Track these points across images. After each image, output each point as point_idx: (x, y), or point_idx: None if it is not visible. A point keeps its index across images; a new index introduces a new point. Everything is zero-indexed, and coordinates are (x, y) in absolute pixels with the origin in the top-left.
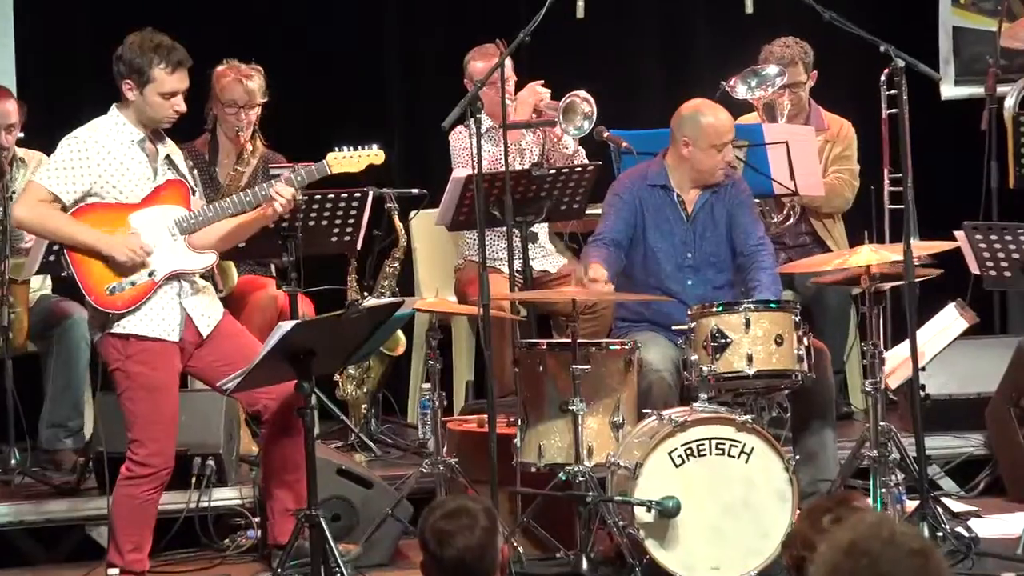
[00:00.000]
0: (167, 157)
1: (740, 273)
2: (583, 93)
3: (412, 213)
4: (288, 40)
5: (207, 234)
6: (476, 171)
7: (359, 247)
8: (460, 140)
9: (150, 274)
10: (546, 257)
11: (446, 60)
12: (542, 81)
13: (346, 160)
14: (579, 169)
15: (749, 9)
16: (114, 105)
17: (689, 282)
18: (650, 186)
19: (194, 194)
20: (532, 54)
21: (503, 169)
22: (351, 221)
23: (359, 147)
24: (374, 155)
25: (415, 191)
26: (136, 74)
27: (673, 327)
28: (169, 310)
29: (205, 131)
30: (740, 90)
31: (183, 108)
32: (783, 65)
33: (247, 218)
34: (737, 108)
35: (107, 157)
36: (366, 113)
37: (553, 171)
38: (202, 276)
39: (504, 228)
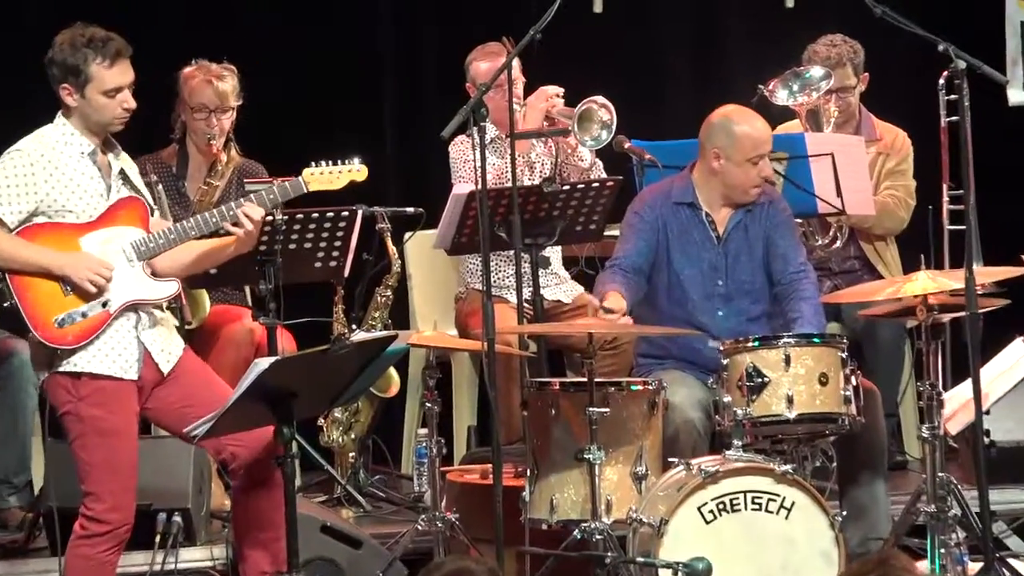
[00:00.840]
0: (121, 172)
1: (779, 303)
2: (601, 99)
3: (407, 235)
4: (268, 38)
5: (169, 259)
6: (480, 187)
7: (347, 273)
8: (461, 152)
9: (104, 304)
10: (559, 285)
11: (446, 61)
12: (556, 86)
13: (324, 176)
14: (596, 185)
15: (790, 3)
16: (59, 113)
17: (720, 313)
18: (675, 204)
19: (153, 214)
20: (543, 54)
21: (510, 184)
22: (337, 244)
23: (339, 161)
24: (356, 171)
25: (410, 210)
26: (72, 75)
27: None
28: (126, 345)
29: (172, 141)
30: (781, 95)
31: (132, 104)
32: (829, 67)
33: (216, 244)
34: (777, 116)
35: (55, 172)
36: (356, 120)
37: (567, 187)
38: (168, 307)
39: (511, 252)
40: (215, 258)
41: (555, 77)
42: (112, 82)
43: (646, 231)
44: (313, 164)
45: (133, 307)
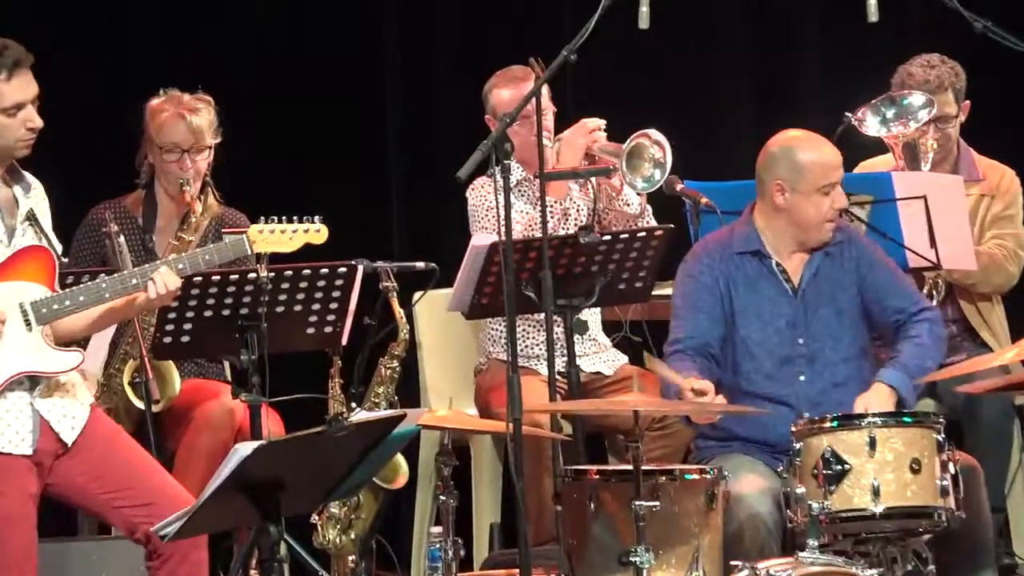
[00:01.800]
0: (29, 213)
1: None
2: (655, 133)
3: (417, 295)
4: (253, 63)
5: (73, 322)
6: (504, 237)
7: (345, 341)
8: (482, 196)
9: None
10: (599, 354)
11: (462, 89)
12: (597, 119)
13: (275, 237)
14: (643, 235)
15: (873, 16)
16: None
17: (802, 378)
18: (737, 254)
19: (61, 265)
20: (579, 79)
21: (540, 235)
22: (334, 306)
23: (293, 219)
24: (314, 231)
25: (421, 265)
26: None
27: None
28: (16, 414)
29: (138, 186)
30: (871, 124)
31: (38, 122)
32: (928, 92)
33: (117, 302)
34: (860, 150)
35: None
36: (356, 159)
37: (608, 237)
38: (130, 382)
39: (541, 315)
40: (120, 314)
41: (591, 107)
42: (12, 98)
43: (707, 299)
44: (263, 220)
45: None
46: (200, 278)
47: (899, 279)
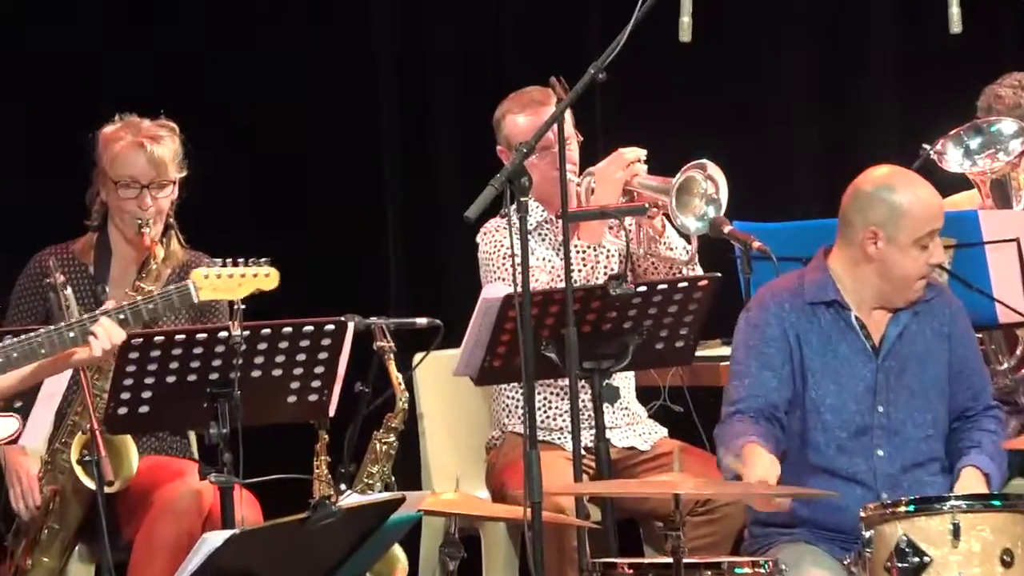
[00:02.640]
0: None
1: (952, 445)
2: (710, 166)
3: (418, 357)
4: (225, 83)
5: (2, 382)
6: (520, 288)
7: (333, 412)
8: (495, 241)
9: None
10: (633, 427)
11: (470, 116)
12: (637, 148)
13: (221, 282)
14: (684, 285)
15: (956, 27)
16: None
17: (880, 453)
18: (810, 305)
19: None
20: (610, 101)
21: (563, 285)
22: (319, 370)
23: (239, 262)
24: (262, 276)
25: (422, 321)
26: None
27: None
28: None
29: (88, 229)
30: (953, 157)
31: None
32: (1021, 117)
33: (46, 360)
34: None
35: None
36: (346, 197)
37: (643, 288)
38: (79, 461)
39: (565, 381)
40: (52, 368)
41: (623, 135)
42: None
43: (774, 354)
44: (207, 263)
45: None
46: (162, 337)
47: (983, 366)
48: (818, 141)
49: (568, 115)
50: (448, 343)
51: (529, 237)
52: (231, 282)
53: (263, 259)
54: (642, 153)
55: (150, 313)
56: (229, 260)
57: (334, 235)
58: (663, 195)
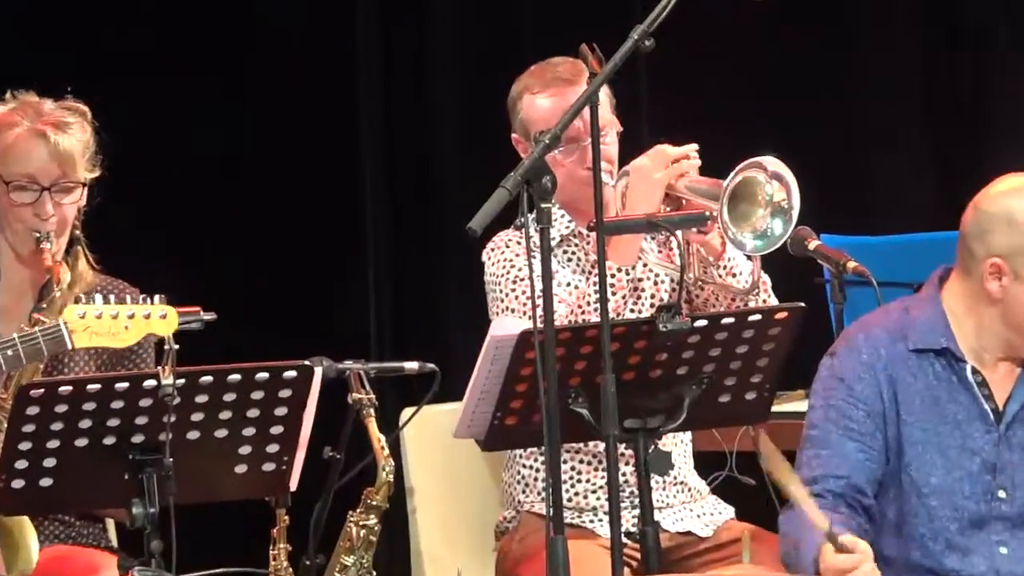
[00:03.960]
0: None
1: None
2: (773, 163)
3: (407, 413)
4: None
5: None
6: (541, 322)
7: (295, 485)
8: (506, 260)
9: None
10: (689, 505)
11: (472, 91)
12: (687, 145)
13: (99, 326)
14: (757, 319)
15: None
16: None
17: (1003, 550)
18: (915, 352)
19: None
20: (657, 80)
21: (595, 319)
22: (277, 431)
23: (127, 298)
24: (156, 319)
25: (412, 366)
26: None
27: None
28: None
29: None
30: None
31: None
32: None
33: None
34: None
35: None
36: (318, 207)
37: (703, 322)
38: None
39: (601, 445)
40: None
41: (676, 124)
42: None
43: (862, 419)
44: (83, 298)
45: None
46: (69, 387)
47: None
48: (922, 130)
49: (604, 96)
50: (446, 395)
51: (550, 255)
52: (114, 325)
53: (156, 296)
54: (692, 149)
55: (9, 363)
56: (142, 296)
57: (299, 256)
58: (715, 202)
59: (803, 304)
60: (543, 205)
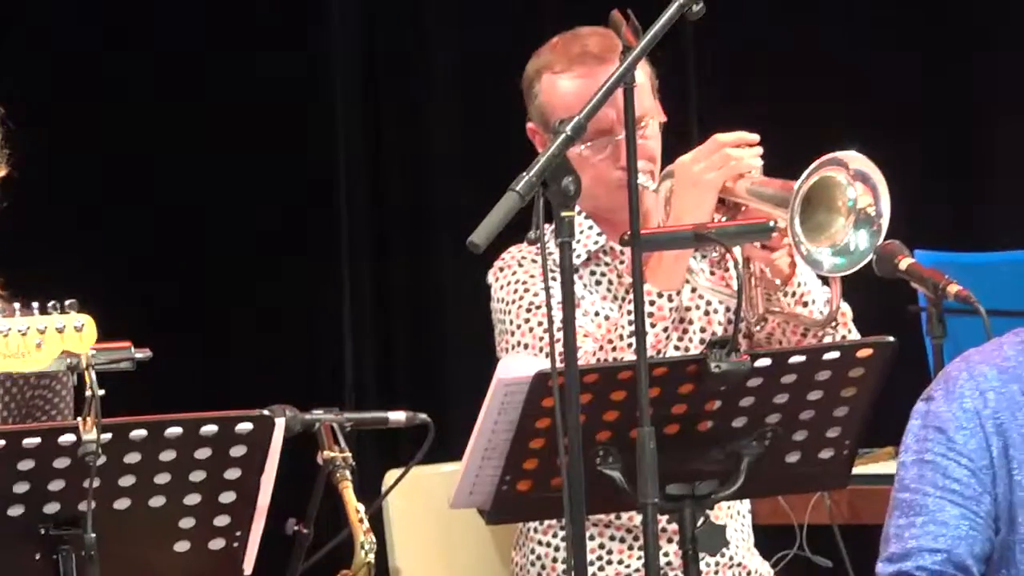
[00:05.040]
0: None
1: None
2: (857, 159)
3: (392, 476)
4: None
5: None
6: (560, 359)
7: (250, 566)
8: (516, 282)
9: None
10: None
11: (477, 88)
12: (745, 133)
13: (8, 344)
14: (834, 357)
15: None
16: None
17: None
18: None
19: None
20: (711, 55)
21: (630, 357)
22: (229, 499)
23: (39, 307)
24: (72, 332)
25: (398, 417)
26: None
27: None
28: None
29: None
30: None
31: None
32: None
33: None
34: None
35: None
36: (283, 223)
37: (768, 360)
38: None
39: (636, 517)
40: None
41: (733, 112)
42: None
43: (968, 479)
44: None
45: None
46: None
47: None
48: None
49: (644, 76)
50: (442, 453)
51: (575, 276)
52: (24, 343)
53: (68, 301)
54: (753, 140)
55: None
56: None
57: (258, 282)
58: (783, 209)
59: (892, 338)
60: (564, 214)
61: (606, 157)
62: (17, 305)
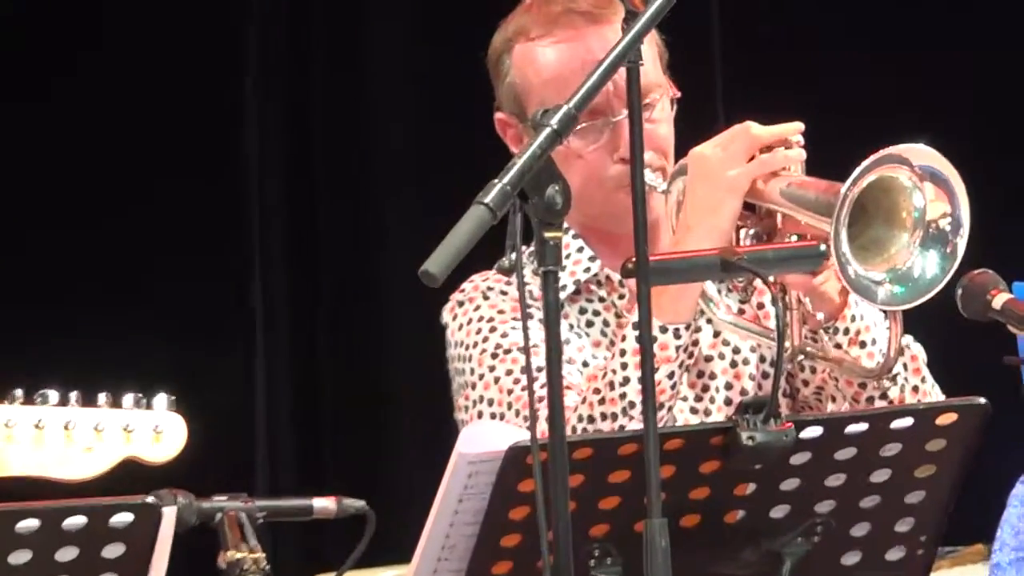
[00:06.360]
0: None
1: None
2: (925, 153)
3: None
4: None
5: None
6: (542, 431)
7: None
8: (480, 323)
9: None
10: None
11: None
12: (791, 124)
13: (34, 439)
14: (907, 425)
15: None
16: None
17: None
18: None
19: None
20: (735, 24)
21: (633, 427)
22: None
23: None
24: (148, 434)
25: (325, 506)
26: None
27: None
28: None
29: None
30: None
31: None
32: None
33: None
34: None
35: None
36: (186, 245)
37: (818, 429)
38: None
39: None
40: None
41: (767, 96)
42: None
43: None
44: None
45: None
46: None
47: None
48: None
49: (651, 47)
50: (386, 551)
51: (559, 314)
52: (67, 440)
53: (158, 396)
54: (793, 129)
55: None
56: None
57: (147, 320)
58: (827, 220)
59: (983, 400)
60: (549, 235)
61: (601, 146)
62: (103, 397)
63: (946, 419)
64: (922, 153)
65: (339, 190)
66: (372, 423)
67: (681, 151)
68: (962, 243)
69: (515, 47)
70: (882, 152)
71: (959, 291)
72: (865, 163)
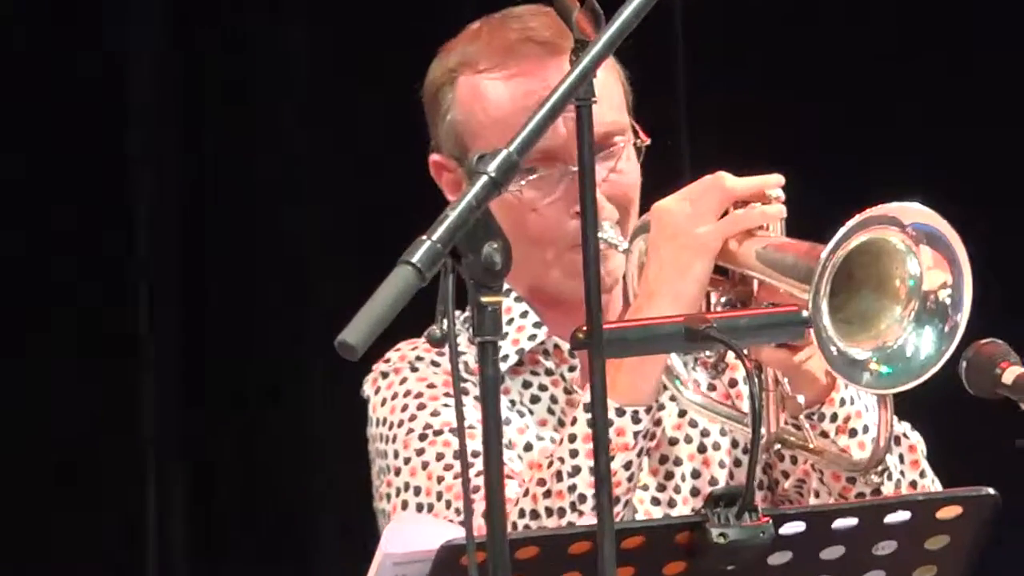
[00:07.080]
0: None
1: None
2: (920, 212)
3: None
4: None
5: None
6: (480, 524)
7: None
8: (407, 400)
9: None
10: None
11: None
12: (774, 176)
13: None
14: (904, 519)
15: None
16: None
17: None
18: None
19: None
20: (705, 59)
21: (580, 517)
22: None
23: None
24: None
25: None
26: None
27: None
28: None
29: None
30: None
31: None
32: None
33: None
34: None
35: None
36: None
37: (801, 525)
38: None
39: None
40: None
41: (738, 147)
42: None
43: None
44: None
45: None
46: None
47: None
48: None
49: (612, 79)
50: None
51: (499, 390)
52: None
53: None
54: (772, 182)
55: None
56: None
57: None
58: (805, 287)
59: (991, 490)
60: (486, 299)
61: (558, 198)
62: None
63: (949, 512)
64: (918, 212)
65: (230, 253)
66: (281, 517)
67: (643, 205)
68: (964, 318)
69: (459, 79)
70: (869, 211)
71: (964, 364)
72: (849, 224)
